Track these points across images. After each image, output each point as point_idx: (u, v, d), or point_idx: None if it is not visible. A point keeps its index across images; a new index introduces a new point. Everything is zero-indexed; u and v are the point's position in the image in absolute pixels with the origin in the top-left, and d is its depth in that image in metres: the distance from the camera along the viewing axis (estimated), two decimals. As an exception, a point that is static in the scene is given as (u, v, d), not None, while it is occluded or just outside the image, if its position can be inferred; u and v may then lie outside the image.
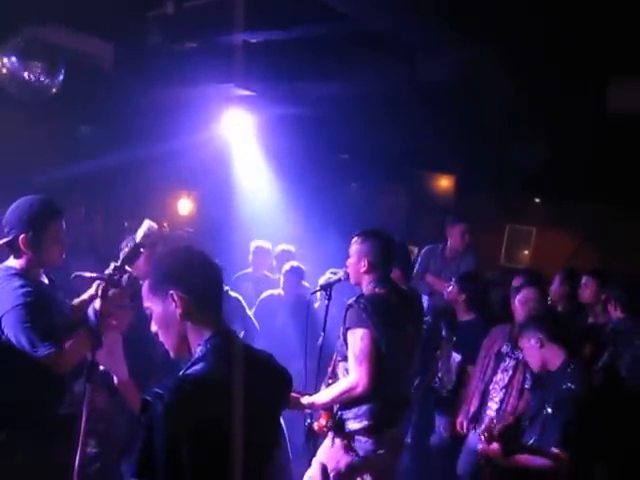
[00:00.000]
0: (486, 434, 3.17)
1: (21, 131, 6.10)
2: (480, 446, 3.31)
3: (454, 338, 4.56)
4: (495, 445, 3.11)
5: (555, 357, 3.25)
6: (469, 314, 4.57)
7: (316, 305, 5.42)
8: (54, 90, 4.88)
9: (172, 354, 1.85)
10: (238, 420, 1.64)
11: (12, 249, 2.67)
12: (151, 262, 2.10)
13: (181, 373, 1.71)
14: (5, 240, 2.66)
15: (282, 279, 5.42)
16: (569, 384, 3.11)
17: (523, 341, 3.42)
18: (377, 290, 3.25)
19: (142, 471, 1.55)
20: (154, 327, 1.84)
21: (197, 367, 1.70)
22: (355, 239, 3.35)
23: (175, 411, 1.55)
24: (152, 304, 1.82)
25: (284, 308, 5.35)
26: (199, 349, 1.76)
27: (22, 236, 2.64)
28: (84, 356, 2.60)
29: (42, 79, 4.74)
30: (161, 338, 1.84)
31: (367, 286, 3.29)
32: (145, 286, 1.85)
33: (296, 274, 5.37)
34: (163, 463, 1.53)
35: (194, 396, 1.61)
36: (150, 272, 1.88)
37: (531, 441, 3.17)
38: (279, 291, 5.46)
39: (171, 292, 1.77)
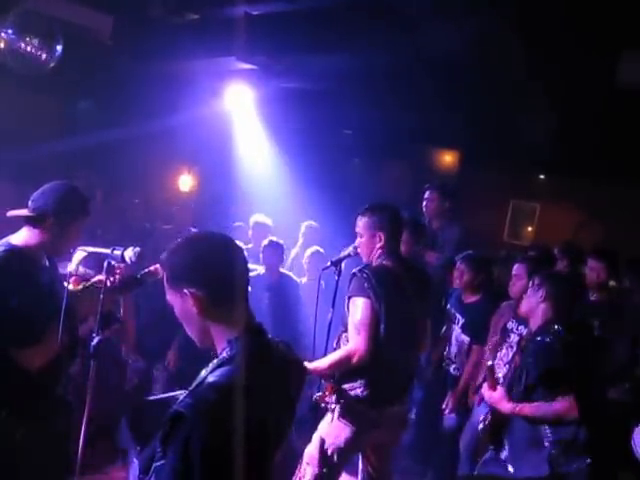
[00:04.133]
0: (489, 380, 3.21)
1: (19, 105, 6.03)
2: (486, 395, 3.27)
3: (459, 318, 4.51)
4: (499, 391, 3.16)
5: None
6: (476, 295, 4.51)
7: (303, 280, 5.34)
8: (52, 64, 4.80)
9: (198, 344, 1.75)
10: (263, 425, 1.61)
11: (32, 225, 2.62)
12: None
13: (208, 378, 1.60)
14: (31, 214, 2.60)
15: (261, 255, 5.15)
16: (547, 338, 3.11)
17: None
18: (384, 262, 3.22)
19: None
20: (178, 317, 1.75)
21: (226, 372, 1.60)
22: (363, 214, 3.28)
23: (214, 421, 1.49)
24: (171, 297, 1.71)
25: (266, 287, 5.04)
26: (226, 350, 1.65)
27: (52, 219, 2.59)
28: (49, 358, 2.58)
29: (40, 53, 4.66)
30: (185, 328, 1.75)
31: (376, 260, 3.25)
32: (164, 277, 1.73)
33: (275, 249, 5.10)
34: (201, 473, 1.48)
35: (229, 405, 1.52)
36: (165, 264, 1.73)
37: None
38: (259, 270, 5.14)
39: (185, 290, 1.64)
